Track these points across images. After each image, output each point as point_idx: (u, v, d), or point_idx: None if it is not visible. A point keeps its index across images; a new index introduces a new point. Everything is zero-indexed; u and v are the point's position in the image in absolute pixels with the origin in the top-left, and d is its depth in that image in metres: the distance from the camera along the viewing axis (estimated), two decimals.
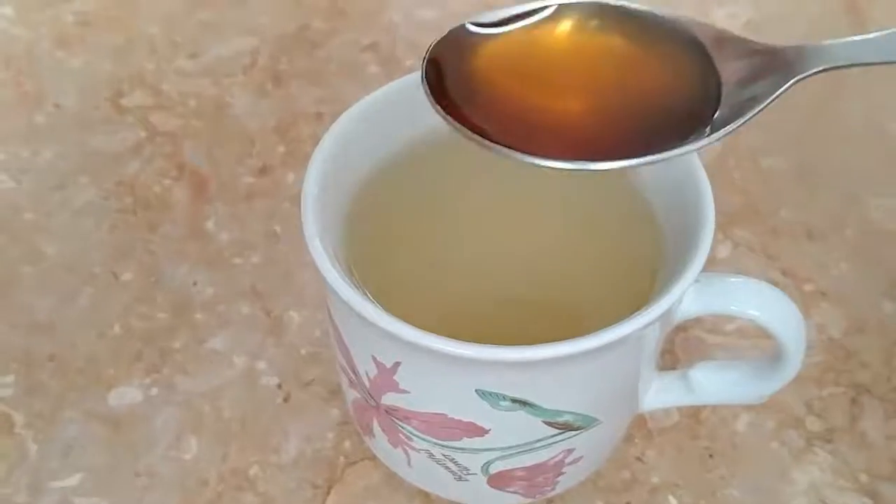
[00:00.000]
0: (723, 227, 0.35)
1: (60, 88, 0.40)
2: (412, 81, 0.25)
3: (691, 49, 0.22)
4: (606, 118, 0.21)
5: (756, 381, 0.25)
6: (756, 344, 0.32)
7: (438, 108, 0.21)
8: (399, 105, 0.25)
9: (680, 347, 0.32)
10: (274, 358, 0.31)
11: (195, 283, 0.33)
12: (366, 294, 0.22)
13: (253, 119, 0.39)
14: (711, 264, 0.21)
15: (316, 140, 0.24)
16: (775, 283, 0.33)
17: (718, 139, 0.20)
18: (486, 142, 0.20)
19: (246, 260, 0.34)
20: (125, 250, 0.34)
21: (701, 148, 0.20)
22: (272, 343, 0.32)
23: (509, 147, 0.20)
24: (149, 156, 0.37)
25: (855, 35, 0.21)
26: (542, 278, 0.25)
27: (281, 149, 0.38)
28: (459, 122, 0.20)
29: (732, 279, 0.23)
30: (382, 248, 0.25)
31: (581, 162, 0.20)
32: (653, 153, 0.20)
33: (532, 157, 0.20)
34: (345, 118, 0.24)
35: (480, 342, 0.20)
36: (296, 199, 0.25)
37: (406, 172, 0.26)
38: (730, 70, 0.21)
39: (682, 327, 0.32)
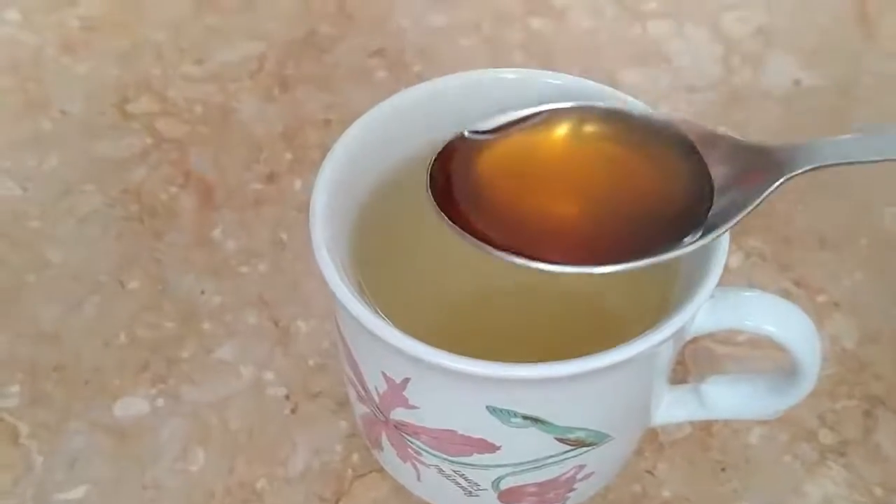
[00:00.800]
0: (735, 236, 0.34)
1: (66, 95, 0.40)
2: (422, 91, 0.25)
3: (682, 149, 0.23)
4: (603, 222, 0.22)
5: (770, 397, 0.25)
6: (767, 355, 0.31)
7: (443, 216, 0.22)
8: (409, 114, 0.25)
9: (690, 358, 0.31)
10: (281, 368, 0.31)
11: (203, 292, 0.33)
12: (375, 308, 0.22)
13: (260, 125, 0.39)
14: (724, 274, 0.21)
15: (323, 146, 0.23)
16: (788, 294, 0.33)
17: (711, 240, 0.21)
18: (491, 249, 0.21)
19: (253, 268, 0.34)
20: (131, 258, 0.34)
21: (695, 249, 0.21)
22: (280, 353, 0.31)
23: (513, 253, 0.21)
24: (155, 162, 0.37)
25: (841, 138, 0.22)
26: (554, 293, 0.24)
27: (288, 155, 0.37)
28: (463, 228, 0.21)
29: (747, 294, 0.23)
30: (391, 259, 0.25)
31: (582, 266, 0.21)
32: (650, 255, 0.21)
33: (535, 262, 0.21)
34: (355, 127, 0.24)
35: (491, 357, 0.19)
36: (303, 207, 0.25)
37: (416, 182, 0.26)
38: (721, 169, 0.22)
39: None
